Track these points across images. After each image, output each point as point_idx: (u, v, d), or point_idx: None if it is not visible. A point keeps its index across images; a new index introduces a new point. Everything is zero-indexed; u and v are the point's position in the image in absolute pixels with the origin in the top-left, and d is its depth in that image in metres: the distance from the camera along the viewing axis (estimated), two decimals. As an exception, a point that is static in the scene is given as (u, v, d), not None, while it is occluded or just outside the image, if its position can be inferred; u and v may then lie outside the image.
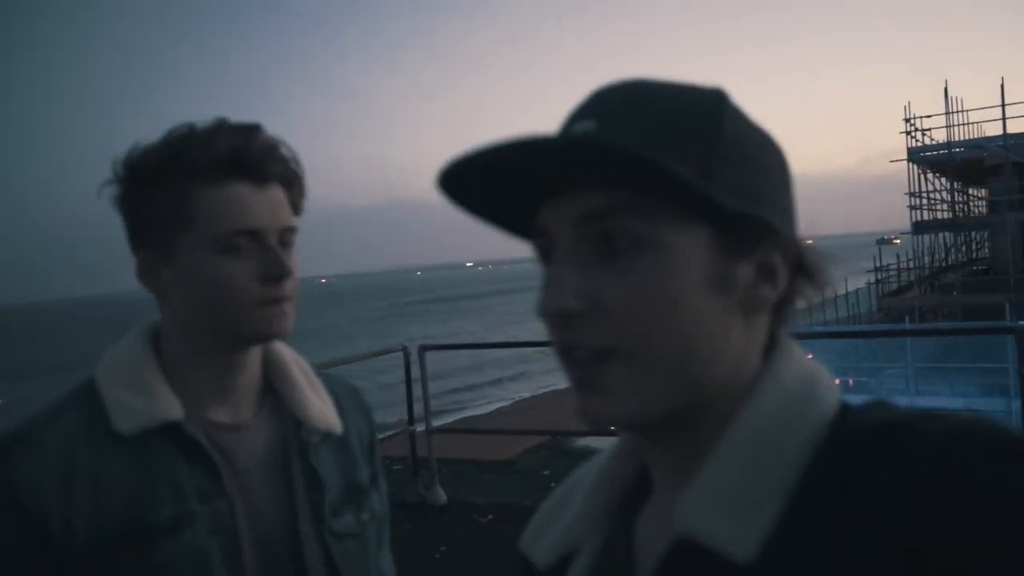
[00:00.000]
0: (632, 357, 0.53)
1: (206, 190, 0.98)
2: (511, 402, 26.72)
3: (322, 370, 1.21)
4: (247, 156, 0.99)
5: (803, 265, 0.58)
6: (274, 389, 1.12)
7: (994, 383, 11.66)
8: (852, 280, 20.69)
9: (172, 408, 1.00)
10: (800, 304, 0.60)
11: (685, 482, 0.55)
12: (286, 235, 1.03)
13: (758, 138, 0.58)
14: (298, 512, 1.07)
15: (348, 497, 1.13)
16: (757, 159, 0.57)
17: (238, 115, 1.03)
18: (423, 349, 5.61)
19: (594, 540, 0.66)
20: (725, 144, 0.54)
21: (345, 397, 1.21)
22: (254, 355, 1.09)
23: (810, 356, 0.60)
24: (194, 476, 0.99)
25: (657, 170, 0.50)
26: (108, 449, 0.96)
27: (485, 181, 0.55)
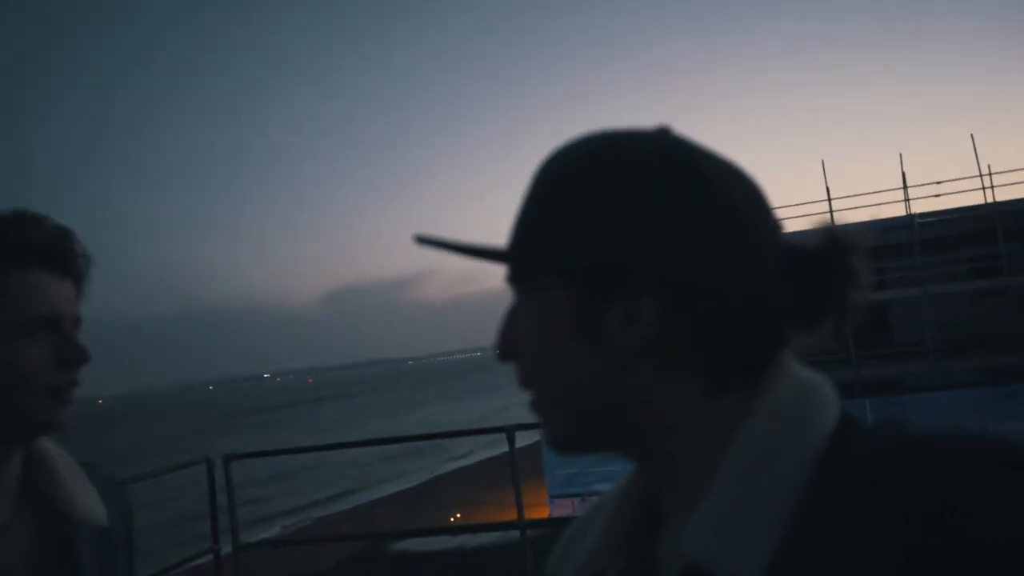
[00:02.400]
0: (537, 398, 0.63)
1: (11, 274, 1.00)
2: (313, 520, 25.23)
3: (81, 461, 1.19)
4: (54, 247, 1.04)
5: (679, 300, 0.56)
6: (35, 484, 1.09)
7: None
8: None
9: None
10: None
11: (692, 508, 0.57)
12: (78, 324, 1.07)
13: (625, 181, 0.57)
14: None
15: None
16: (616, 206, 0.57)
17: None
18: (228, 459, 5.34)
19: (617, 563, 0.68)
20: (564, 204, 0.59)
21: (105, 487, 1.17)
22: (15, 451, 1.06)
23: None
24: None
25: (494, 255, 0.62)
26: None
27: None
